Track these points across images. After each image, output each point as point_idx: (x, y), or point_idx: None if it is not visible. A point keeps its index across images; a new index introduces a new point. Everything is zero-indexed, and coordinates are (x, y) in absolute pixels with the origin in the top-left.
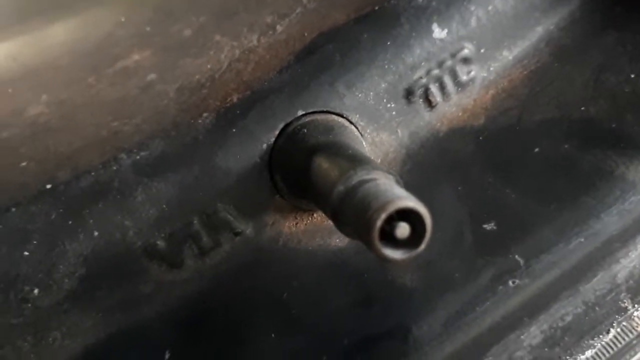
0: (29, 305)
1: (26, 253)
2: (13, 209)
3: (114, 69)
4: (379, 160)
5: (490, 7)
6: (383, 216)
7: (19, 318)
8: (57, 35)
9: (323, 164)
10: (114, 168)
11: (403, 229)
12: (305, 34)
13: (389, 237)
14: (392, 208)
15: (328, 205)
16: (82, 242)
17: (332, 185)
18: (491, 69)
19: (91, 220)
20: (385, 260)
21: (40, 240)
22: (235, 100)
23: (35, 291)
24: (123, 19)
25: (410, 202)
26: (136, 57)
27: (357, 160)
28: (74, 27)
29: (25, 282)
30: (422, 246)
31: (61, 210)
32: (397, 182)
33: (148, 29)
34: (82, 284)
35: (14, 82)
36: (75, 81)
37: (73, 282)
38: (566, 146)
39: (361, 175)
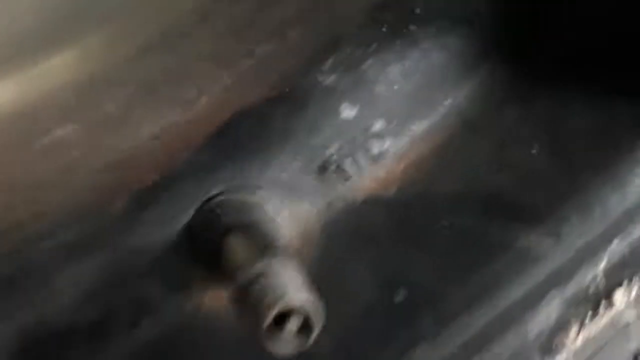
0: None
1: None
2: None
3: (39, 144)
4: (300, 231)
5: (396, 87)
6: (272, 313)
7: None
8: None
9: (231, 250)
10: (35, 255)
11: (292, 323)
12: (222, 113)
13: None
14: (281, 305)
15: (231, 294)
16: (6, 329)
17: (234, 274)
18: (402, 142)
19: (12, 310)
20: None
21: None
22: (150, 182)
23: None
24: (49, 88)
25: (299, 297)
26: (60, 132)
27: (264, 249)
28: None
29: None
30: (312, 338)
31: None
32: (298, 271)
33: (73, 101)
34: None
35: None
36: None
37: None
38: (471, 219)
39: (260, 266)
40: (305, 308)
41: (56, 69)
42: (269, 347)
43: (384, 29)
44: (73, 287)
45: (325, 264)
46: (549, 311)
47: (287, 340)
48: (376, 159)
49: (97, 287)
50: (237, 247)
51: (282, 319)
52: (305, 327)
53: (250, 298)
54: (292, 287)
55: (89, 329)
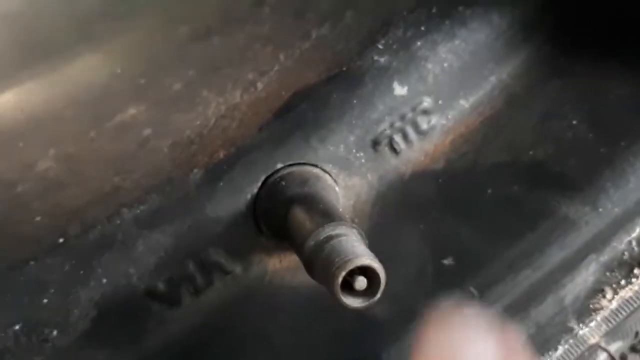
0: (49, 344)
1: (45, 300)
2: (31, 262)
3: (113, 122)
4: (352, 202)
5: (446, 64)
6: (343, 273)
7: (41, 356)
8: (60, 83)
9: (298, 217)
10: (118, 222)
11: (361, 282)
12: (283, 93)
13: (350, 287)
14: (351, 266)
15: (301, 256)
16: (92, 289)
17: (304, 239)
18: (449, 117)
19: (100, 270)
20: (347, 307)
21: (56, 289)
22: (221, 156)
23: (54, 332)
24: (119, 70)
25: (367, 260)
26: (132, 111)
27: (326, 216)
28: (74, 75)
29: (45, 325)
30: (378, 295)
31: (73, 262)
32: (360, 235)
33: (142, 81)
34: (94, 325)
35: (23, 135)
36: (79, 135)
37: (86, 323)
38: (515, 187)
39: (328, 231)
40: (372, 268)
41: (122, 50)
42: (342, 302)
43: (433, 10)
44: (153, 253)
45: (378, 233)
46: (586, 275)
47: (358, 295)
48: (425, 133)
49: (175, 252)
50: (303, 215)
51: (350, 278)
52: (371, 285)
53: (321, 260)
54: (358, 250)
55: (166, 293)
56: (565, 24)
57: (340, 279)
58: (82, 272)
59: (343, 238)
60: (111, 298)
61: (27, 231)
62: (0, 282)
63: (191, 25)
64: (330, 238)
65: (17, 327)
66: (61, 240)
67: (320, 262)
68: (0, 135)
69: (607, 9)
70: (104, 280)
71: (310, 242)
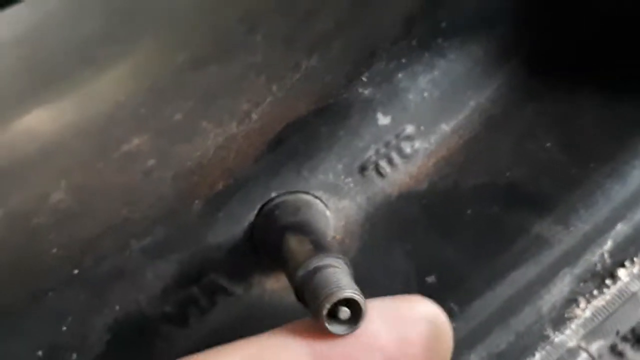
0: None
1: (64, 328)
2: (50, 293)
3: (119, 153)
4: (343, 223)
5: (426, 94)
6: (328, 306)
7: None
8: (67, 112)
9: (290, 247)
10: (127, 253)
11: (344, 313)
12: (275, 125)
13: (335, 315)
14: (335, 299)
15: (292, 283)
16: (106, 315)
17: (295, 269)
18: (431, 141)
19: (112, 298)
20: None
21: (74, 317)
22: (220, 186)
23: (74, 356)
24: (122, 99)
25: (349, 293)
26: (136, 141)
27: (316, 246)
28: (80, 104)
29: (65, 350)
30: (360, 325)
31: (88, 291)
32: (346, 264)
33: (144, 111)
34: (109, 347)
35: (35, 166)
36: (88, 165)
37: (102, 346)
38: (493, 208)
39: (316, 262)
40: (355, 300)
41: (123, 76)
42: (327, 330)
43: (413, 43)
44: (160, 280)
45: (367, 252)
46: (562, 287)
47: (342, 323)
48: (409, 157)
49: (179, 278)
50: (294, 245)
51: (335, 307)
52: (354, 314)
53: (309, 291)
54: (342, 283)
55: (173, 315)
56: (539, 50)
57: (325, 311)
58: (96, 300)
59: (330, 269)
60: (124, 322)
61: (45, 263)
62: (24, 312)
63: (189, 52)
64: (317, 269)
65: (40, 352)
66: (76, 271)
67: (308, 292)
68: (13, 167)
69: (579, 37)
70: (117, 307)
71: (300, 273)
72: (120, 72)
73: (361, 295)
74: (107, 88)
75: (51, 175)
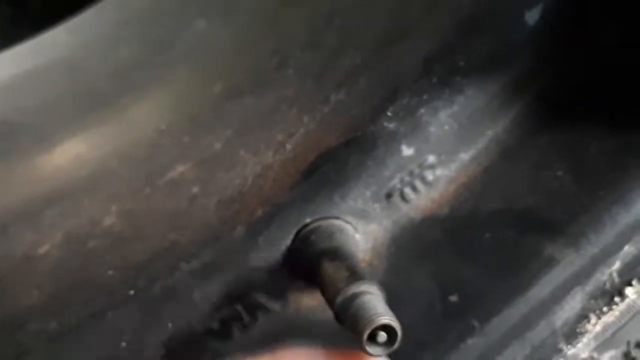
0: None
1: (123, 344)
2: (109, 313)
3: (165, 179)
4: (370, 245)
5: (446, 127)
6: (368, 331)
7: None
8: (112, 138)
9: (327, 273)
10: (177, 275)
11: (382, 337)
12: (308, 155)
13: (373, 337)
14: (374, 325)
15: (331, 307)
16: (160, 333)
17: (334, 295)
18: (452, 168)
19: (165, 316)
20: (371, 356)
21: (131, 334)
22: (260, 213)
23: None
24: (164, 127)
25: (387, 320)
26: (181, 168)
27: (351, 273)
28: (123, 131)
29: None
30: (396, 346)
31: (143, 311)
32: (379, 289)
33: (186, 139)
34: None
35: (86, 192)
36: (136, 191)
37: None
38: (509, 231)
39: (353, 289)
40: (392, 325)
41: (163, 104)
42: (367, 352)
43: (434, 81)
44: (207, 299)
45: (393, 272)
46: (573, 304)
47: (380, 345)
48: (431, 184)
49: (225, 297)
50: (331, 272)
51: (373, 330)
52: (390, 337)
53: (349, 316)
54: (379, 310)
55: (219, 330)
56: (551, 86)
57: (366, 336)
58: (151, 318)
59: (367, 296)
60: (176, 338)
61: (102, 284)
62: (87, 329)
63: (224, 82)
64: (355, 296)
65: None
66: (132, 292)
67: (348, 317)
68: (66, 191)
69: (588, 73)
70: (169, 325)
71: (340, 299)
72: (160, 100)
73: (396, 321)
74: (148, 115)
75: (102, 200)
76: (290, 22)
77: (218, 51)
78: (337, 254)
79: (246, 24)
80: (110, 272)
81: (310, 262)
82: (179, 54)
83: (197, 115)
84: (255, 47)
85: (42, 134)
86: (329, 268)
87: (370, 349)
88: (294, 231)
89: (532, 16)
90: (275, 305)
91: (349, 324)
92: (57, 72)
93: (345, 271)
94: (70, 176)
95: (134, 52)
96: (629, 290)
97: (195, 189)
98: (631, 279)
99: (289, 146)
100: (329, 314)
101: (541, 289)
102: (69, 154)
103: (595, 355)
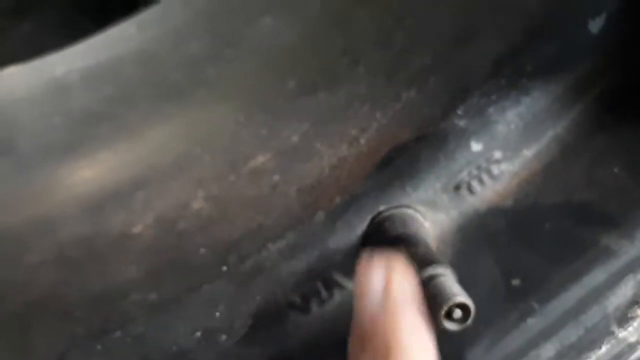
0: (219, 346)
1: (217, 314)
2: (205, 286)
3: (247, 168)
4: (438, 233)
5: (512, 125)
6: (445, 307)
7: (213, 354)
8: (192, 128)
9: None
10: (265, 254)
11: (458, 313)
12: (381, 148)
13: (449, 315)
14: (451, 303)
15: None
16: (249, 304)
17: None
18: (516, 164)
19: (254, 290)
20: (446, 331)
21: (224, 305)
22: (338, 201)
23: (223, 337)
24: (242, 119)
25: (462, 298)
26: (261, 158)
27: (426, 257)
28: (203, 121)
29: (218, 331)
30: (469, 322)
31: (235, 285)
32: (452, 272)
33: (264, 131)
34: (250, 330)
35: (173, 177)
36: (221, 178)
37: (245, 329)
38: (567, 223)
39: (430, 271)
40: (466, 303)
41: (238, 97)
42: (444, 327)
43: (502, 82)
44: (291, 276)
45: (459, 258)
46: (625, 291)
47: (455, 322)
48: (496, 178)
49: (307, 274)
50: (407, 256)
51: (450, 307)
52: (464, 314)
53: (426, 296)
54: (455, 290)
55: (300, 304)
56: (610, 87)
57: (444, 312)
58: (242, 292)
59: (442, 278)
60: (263, 310)
61: (195, 261)
62: (184, 300)
63: (297, 78)
64: (432, 277)
65: (198, 333)
66: (224, 268)
67: (425, 296)
68: (155, 176)
69: None
70: (258, 298)
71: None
72: (234, 93)
73: (470, 300)
74: (224, 107)
75: (188, 185)
76: (360, 22)
77: (287, 48)
78: (411, 240)
79: (315, 23)
80: (202, 250)
81: (384, 247)
82: (247, 50)
83: (272, 109)
84: (325, 45)
85: (122, 123)
86: (405, 252)
87: (447, 324)
88: (369, 218)
89: (595, 25)
90: (349, 284)
91: (425, 302)
92: (131, 63)
93: (421, 255)
94: (155, 162)
95: (204, 46)
96: None
97: (276, 177)
98: None
99: (362, 140)
100: None
101: (596, 276)
102: (150, 142)
103: None
